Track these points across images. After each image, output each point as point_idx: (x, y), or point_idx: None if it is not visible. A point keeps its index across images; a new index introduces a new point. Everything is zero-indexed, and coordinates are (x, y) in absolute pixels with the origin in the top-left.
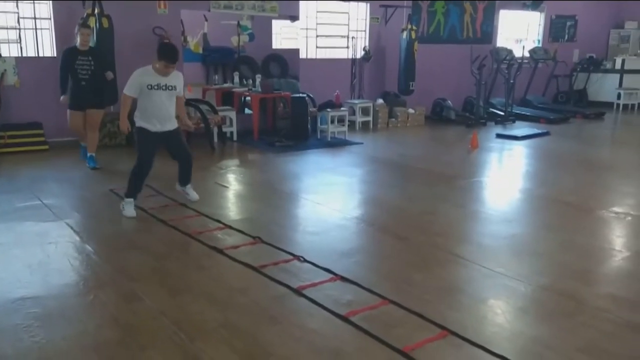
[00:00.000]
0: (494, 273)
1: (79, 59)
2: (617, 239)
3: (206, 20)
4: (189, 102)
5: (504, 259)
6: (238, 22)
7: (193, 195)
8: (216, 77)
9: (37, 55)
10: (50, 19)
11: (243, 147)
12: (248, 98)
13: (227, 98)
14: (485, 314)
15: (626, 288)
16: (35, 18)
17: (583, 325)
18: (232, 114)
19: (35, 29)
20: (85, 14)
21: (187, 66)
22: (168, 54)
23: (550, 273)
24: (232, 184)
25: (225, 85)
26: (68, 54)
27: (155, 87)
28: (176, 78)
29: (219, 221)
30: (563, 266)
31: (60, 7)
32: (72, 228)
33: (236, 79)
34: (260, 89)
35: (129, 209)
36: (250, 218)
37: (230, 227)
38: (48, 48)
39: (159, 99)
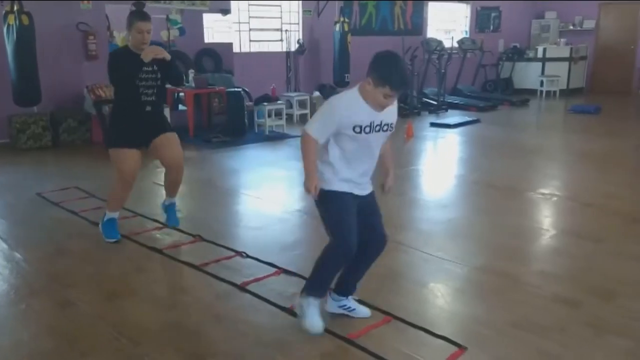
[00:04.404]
0: (432, 257)
1: (143, 70)
2: (545, 219)
3: None
4: None
5: (442, 243)
6: (167, 16)
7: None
8: None
9: None
10: None
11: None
12: (181, 94)
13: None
14: (426, 297)
15: (554, 264)
16: None
17: (516, 301)
18: (166, 111)
19: None
20: (4, 11)
21: None
22: (395, 73)
23: (484, 254)
24: None
25: None
26: (125, 60)
27: (367, 130)
28: (393, 111)
29: (157, 221)
30: (496, 247)
31: None
32: None
33: None
34: (193, 85)
35: (312, 315)
36: (189, 216)
37: (170, 227)
38: None
39: (367, 147)
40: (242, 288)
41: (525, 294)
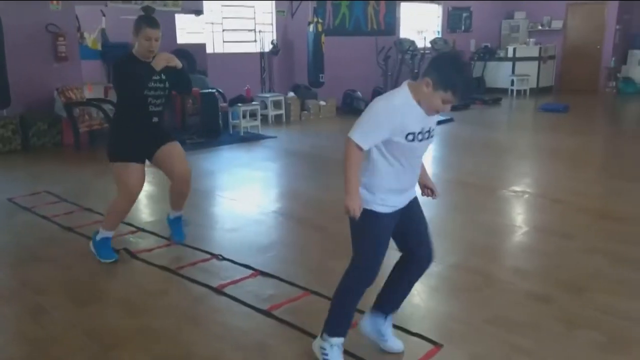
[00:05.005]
0: None
1: (153, 79)
2: (517, 216)
3: (104, 15)
4: (90, 102)
5: None
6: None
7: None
8: None
9: None
10: None
11: None
12: None
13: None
14: None
15: (526, 261)
16: None
17: (489, 298)
18: None
19: None
20: None
21: (86, 64)
22: (461, 78)
23: (458, 251)
24: None
25: None
26: (134, 69)
27: (419, 137)
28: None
29: (130, 224)
30: (470, 244)
31: None
32: None
33: None
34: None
35: (335, 356)
36: (163, 219)
37: (143, 230)
38: None
39: (415, 157)
40: (219, 291)
41: (498, 290)
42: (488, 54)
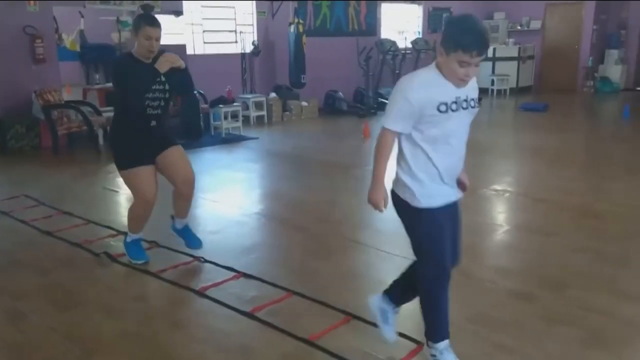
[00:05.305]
0: (391, 256)
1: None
2: (498, 215)
3: (82, 16)
4: (68, 104)
5: (400, 241)
6: (117, 18)
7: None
8: (97, 77)
9: None
10: None
11: None
12: None
13: (111, 98)
14: None
15: (507, 259)
16: None
17: (471, 296)
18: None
19: None
20: None
21: (64, 66)
22: (466, 32)
23: None
24: (122, 188)
25: (108, 84)
26: (135, 69)
27: (453, 107)
28: (474, 85)
29: (110, 227)
30: None
31: None
32: None
33: None
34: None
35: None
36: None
37: (124, 233)
38: None
39: (454, 132)
40: (201, 293)
41: (480, 289)
42: None
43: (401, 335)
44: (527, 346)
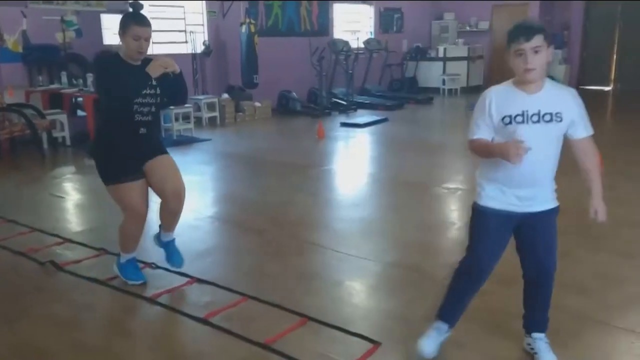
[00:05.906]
0: (347, 256)
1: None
2: (451, 212)
3: (24, 16)
4: (10, 107)
5: (355, 241)
6: (62, 18)
7: None
8: (40, 78)
9: None
10: None
11: (78, 153)
12: (80, 99)
13: (56, 100)
14: (341, 296)
15: (461, 256)
16: None
17: (427, 294)
18: (63, 118)
19: None
20: None
21: (6, 67)
22: (516, 25)
23: (396, 250)
24: (70, 194)
25: (53, 86)
26: (121, 70)
27: (518, 120)
28: (560, 99)
29: (57, 235)
30: (407, 242)
31: None
32: None
33: (64, 79)
34: (93, 89)
35: (429, 338)
36: (93, 229)
37: (71, 241)
38: None
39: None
40: (153, 300)
41: (436, 287)
42: (420, 54)
43: (357, 335)
44: (482, 342)
